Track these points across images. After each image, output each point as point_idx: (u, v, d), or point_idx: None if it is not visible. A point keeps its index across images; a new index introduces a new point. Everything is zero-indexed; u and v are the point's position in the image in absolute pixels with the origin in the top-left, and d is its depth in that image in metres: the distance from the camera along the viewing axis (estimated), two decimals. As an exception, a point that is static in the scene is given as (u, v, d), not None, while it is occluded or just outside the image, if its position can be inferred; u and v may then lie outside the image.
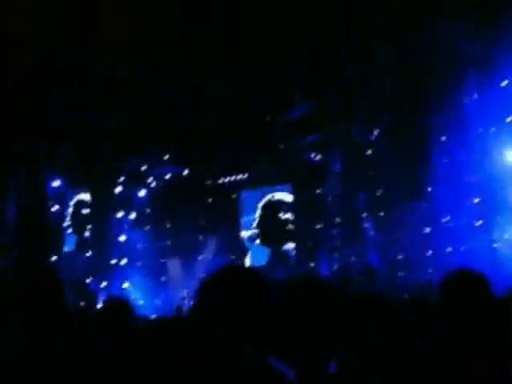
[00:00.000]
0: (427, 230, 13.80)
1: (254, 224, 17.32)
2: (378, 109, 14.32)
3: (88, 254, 18.21)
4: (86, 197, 19.02)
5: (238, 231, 17.50)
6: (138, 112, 15.87)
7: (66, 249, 19.07)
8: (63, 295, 3.18)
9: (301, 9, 13.07)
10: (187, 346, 2.05)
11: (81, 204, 19.17)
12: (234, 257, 16.99)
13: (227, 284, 2.26)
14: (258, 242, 17.29)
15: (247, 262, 17.12)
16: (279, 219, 17.09)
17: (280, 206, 17.11)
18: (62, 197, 19.35)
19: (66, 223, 19.40)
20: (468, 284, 2.93)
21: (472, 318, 2.80)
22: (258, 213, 17.37)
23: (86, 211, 19.03)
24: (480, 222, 12.83)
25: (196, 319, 2.19)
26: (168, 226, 17.96)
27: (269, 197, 17.24)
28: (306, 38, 13.55)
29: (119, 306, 4.61)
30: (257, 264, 16.65)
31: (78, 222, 19.19)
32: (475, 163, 12.80)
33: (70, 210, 19.39)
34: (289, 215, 16.98)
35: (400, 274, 13.79)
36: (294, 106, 15.74)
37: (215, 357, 2.05)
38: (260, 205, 17.35)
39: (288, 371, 3.66)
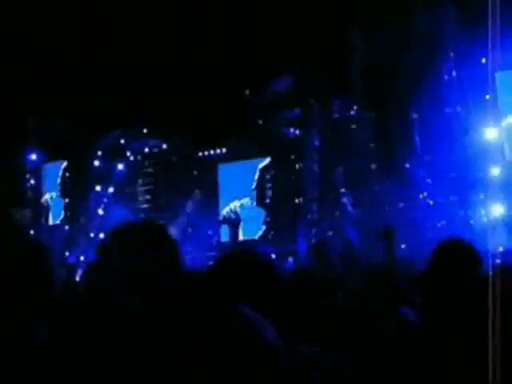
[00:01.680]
0: (403, 205, 13.93)
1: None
2: (356, 86, 14.38)
3: (66, 228, 18.18)
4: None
5: (217, 204, 17.55)
6: (116, 85, 15.78)
7: (43, 222, 19.03)
8: (52, 272, 3.21)
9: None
10: None
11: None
12: (210, 232, 17.05)
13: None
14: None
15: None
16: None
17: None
18: (39, 170, 19.25)
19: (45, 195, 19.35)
20: (461, 251, 3.04)
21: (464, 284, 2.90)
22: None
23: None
24: (456, 199, 13.00)
25: None
26: (147, 199, 17.98)
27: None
28: (289, 17, 13.53)
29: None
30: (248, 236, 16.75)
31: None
32: (453, 140, 12.92)
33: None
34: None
35: (377, 249, 13.92)
36: (274, 80, 15.73)
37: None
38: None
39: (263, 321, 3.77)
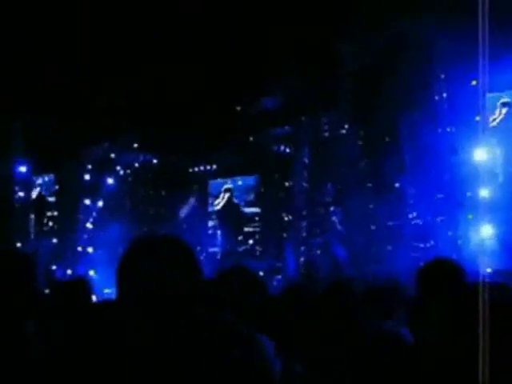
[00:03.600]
0: (393, 224, 13.95)
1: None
2: (347, 104, 14.43)
3: (54, 241, 18.09)
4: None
5: (206, 220, 17.60)
6: (107, 98, 15.76)
7: (31, 235, 18.93)
8: (35, 283, 3.18)
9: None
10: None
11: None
12: (199, 247, 17.05)
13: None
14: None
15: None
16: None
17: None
18: (28, 183, 19.17)
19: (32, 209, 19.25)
20: (446, 272, 3.06)
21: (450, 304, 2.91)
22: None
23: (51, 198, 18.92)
24: (445, 219, 13.03)
25: None
26: (136, 214, 17.93)
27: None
28: (281, 32, 13.58)
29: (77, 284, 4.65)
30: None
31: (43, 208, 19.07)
32: (443, 161, 12.97)
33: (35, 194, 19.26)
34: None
35: (365, 267, 13.93)
36: (265, 97, 15.79)
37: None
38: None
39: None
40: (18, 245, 17.48)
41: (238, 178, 17.32)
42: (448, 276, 3.07)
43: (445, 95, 13.11)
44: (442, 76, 13.10)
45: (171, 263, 1.91)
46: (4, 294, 2.48)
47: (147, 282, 1.85)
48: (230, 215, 17.36)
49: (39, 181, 19.26)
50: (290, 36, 13.97)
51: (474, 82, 12.13)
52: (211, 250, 17.23)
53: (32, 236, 18.98)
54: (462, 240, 12.49)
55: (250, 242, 16.95)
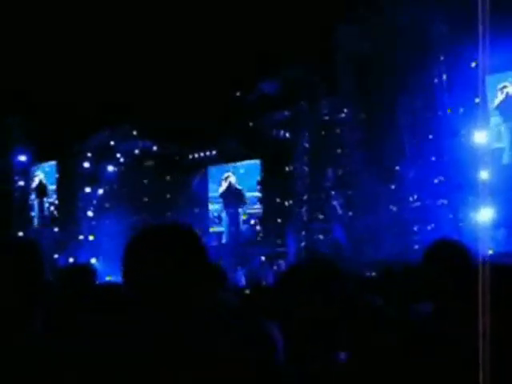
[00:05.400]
0: (394, 208, 13.95)
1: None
2: (347, 88, 14.39)
3: (55, 230, 18.11)
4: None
5: (207, 207, 17.59)
6: (107, 86, 15.73)
7: (33, 224, 18.97)
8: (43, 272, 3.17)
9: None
10: None
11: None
12: (199, 233, 17.03)
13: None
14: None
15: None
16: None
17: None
18: (28, 171, 19.18)
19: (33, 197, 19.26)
20: (451, 252, 3.06)
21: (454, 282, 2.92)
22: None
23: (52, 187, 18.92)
24: (446, 202, 13.02)
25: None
26: (137, 201, 17.92)
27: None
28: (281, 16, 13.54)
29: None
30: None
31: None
32: (443, 144, 12.95)
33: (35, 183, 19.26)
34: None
35: (366, 251, 13.93)
36: (264, 82, 15.74)
37: None
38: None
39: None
40: (20, 234, 17.51)
41: (239, 163, 17.28)
42: (455, 256, 3.07)
43: (444, 77, 13.06)
44: (442, 58, 13.05)
45: (177, 251, 1.91)
46: (14, 282, 2.48)
47: (153, 271, 1.85)
48: (233, 199, 17.34)
49: (39, 169, 19.24)
50: (289, 21, 13.92)
51: (473, 64, 12.08)
52: (215, 230, 17.29)
53: (33, 225, 19.00)
54: (463, 223, 12.48)
55: (252, 222, 16.92)
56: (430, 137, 13.15)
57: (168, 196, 17.71)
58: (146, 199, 17.84)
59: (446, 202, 12.98)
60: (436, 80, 13.11)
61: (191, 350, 1.79)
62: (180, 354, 1.79)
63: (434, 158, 13.10)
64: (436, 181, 13.09)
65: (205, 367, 1.77)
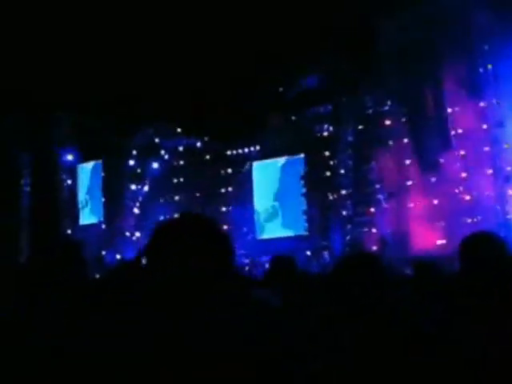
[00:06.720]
0: (439, 201, 13.75)
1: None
2: (389, 81, 14.26)
3: (103, 227, 18.33)
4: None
5: (252, 202, 17.59)
6: (151, 84, 15.89)
7: (80, 222, 19.23)
8: (85, 271, 3.23)
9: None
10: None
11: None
12: (245, 229, 17.11)
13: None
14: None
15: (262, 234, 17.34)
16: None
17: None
18: (75, 170, 19.47)
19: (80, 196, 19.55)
20: (489, 245, 3.03)
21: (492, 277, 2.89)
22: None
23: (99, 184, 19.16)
24: (492, 193, 12.80)
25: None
26: (182, 197, 18.06)
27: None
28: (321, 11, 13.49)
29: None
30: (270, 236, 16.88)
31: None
32: (489, 134, 12.75)
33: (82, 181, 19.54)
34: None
35: (410, 245, 13.78)
36: (307, 76, 15.71)
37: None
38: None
39: (272, 298, 3.78)
40: (68, 231, 17.83)
41: (283, 158, 17.23)
42: (489, 249, 3.03)
43: (489, 67, 12.85)
44: (486, 47, 12.83)
45: (196, 246, 1.91)
46: (59, 282, 2.54)
47: (174, 266, 1.86)
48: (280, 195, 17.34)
49: (86, 168, 19.50)
50: (329, 15, 13.86)
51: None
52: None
53: (80, 222, 19.27)
54: (510, 215, 12.27)
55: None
56: (475, 128, 12.93)
57: (214, 191, 17.78)
58: (191, 195, 17.96)
59: (492, 193, 12.76)
60: (481, 69, 12.91)
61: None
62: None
63: (479, 150, 12.88)
64: (481, 172, 12.86)
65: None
